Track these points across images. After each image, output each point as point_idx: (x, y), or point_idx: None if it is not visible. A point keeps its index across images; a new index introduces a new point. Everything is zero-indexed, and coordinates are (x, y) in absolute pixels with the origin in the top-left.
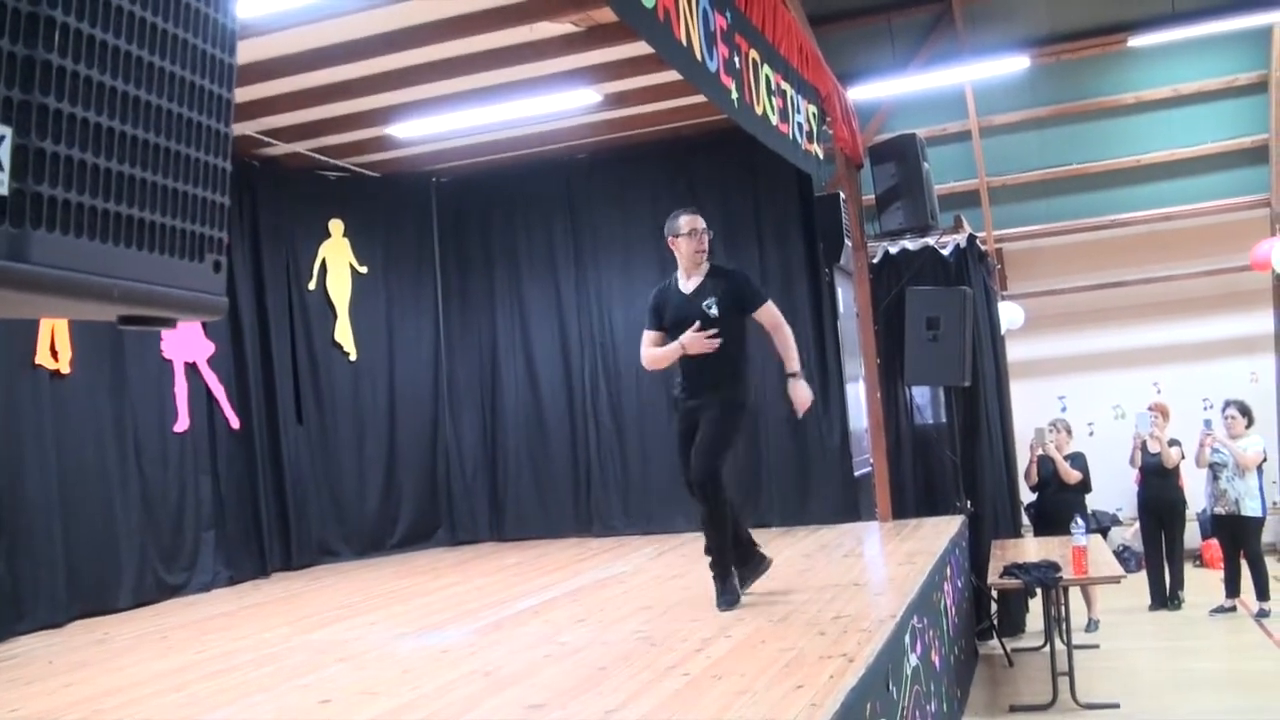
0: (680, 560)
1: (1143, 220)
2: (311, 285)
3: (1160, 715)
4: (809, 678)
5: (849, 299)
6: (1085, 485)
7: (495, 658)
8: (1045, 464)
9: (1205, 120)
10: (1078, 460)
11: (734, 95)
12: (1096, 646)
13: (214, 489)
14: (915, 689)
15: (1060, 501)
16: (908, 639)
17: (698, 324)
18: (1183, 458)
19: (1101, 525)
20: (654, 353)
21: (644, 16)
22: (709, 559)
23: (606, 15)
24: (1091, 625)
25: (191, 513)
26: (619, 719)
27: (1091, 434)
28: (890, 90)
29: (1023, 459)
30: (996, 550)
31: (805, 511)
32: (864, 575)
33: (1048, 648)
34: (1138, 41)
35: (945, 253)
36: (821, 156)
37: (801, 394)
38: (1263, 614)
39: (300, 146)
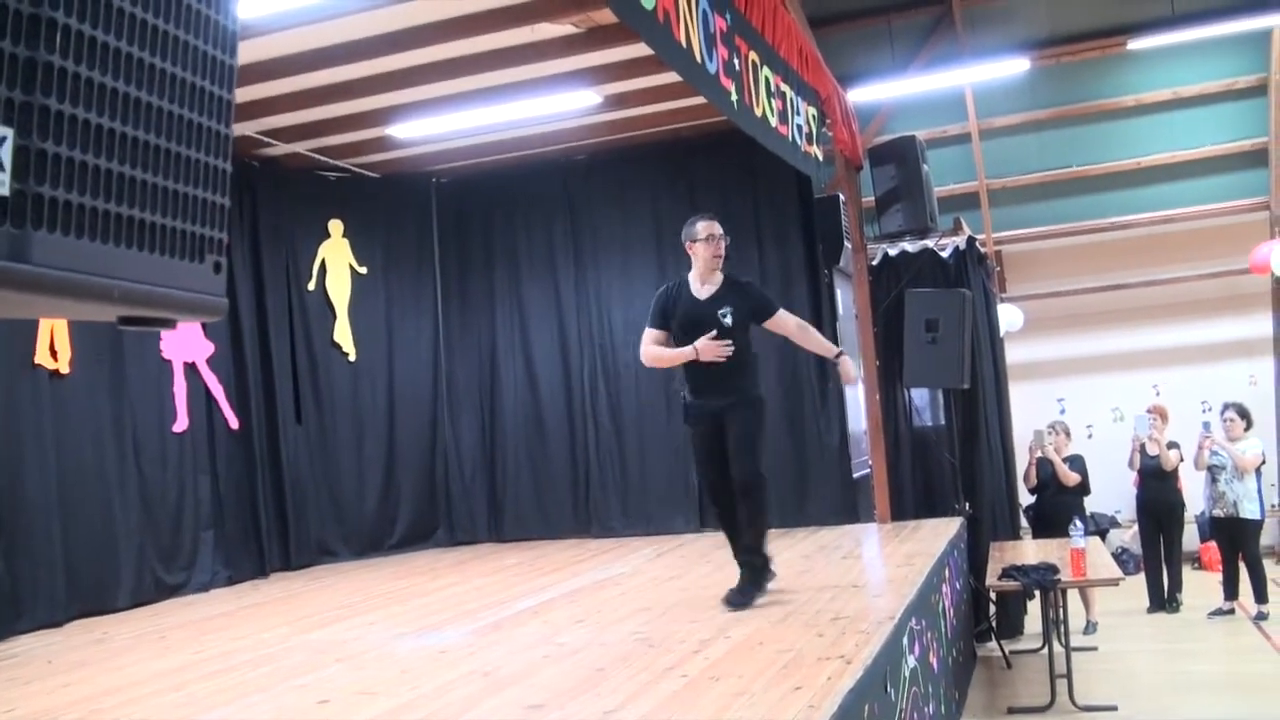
0: (679, 562)
1: (1142, 223)
2: (311, 285)
3: (1158, 718)
4: (807, 679)
5: (848, 301)
6: (1084, 487)
7: (494, 658)
8: (1044, 466)
9: (1205, 123)
10: (1076, 462)
11: (733, 97)
12: (1095, 649)
13: (213, 489)
14: (913, 691)
15: (1059, 504)
16: (906, 641)
17: (714, 332)
18: (1181, 460)
19: (1100, 527)
20: (658, 352)
21: (644, 18)
22: (746, 556)
23: (607, 16)
24: (1090, 627)
25: (190, 513)
26: None
27: (1090, 436)
28: (890, 92)
29: (1021, 461)
30: (995, 552)
31: (804, 513)
32: (862, 577)
33: (1046, 650)
34: (1137, 44)
35: (945, 255)
36: (821, 158)
37: (851, 368)
38: (1261, 617)
39: (300, 147)
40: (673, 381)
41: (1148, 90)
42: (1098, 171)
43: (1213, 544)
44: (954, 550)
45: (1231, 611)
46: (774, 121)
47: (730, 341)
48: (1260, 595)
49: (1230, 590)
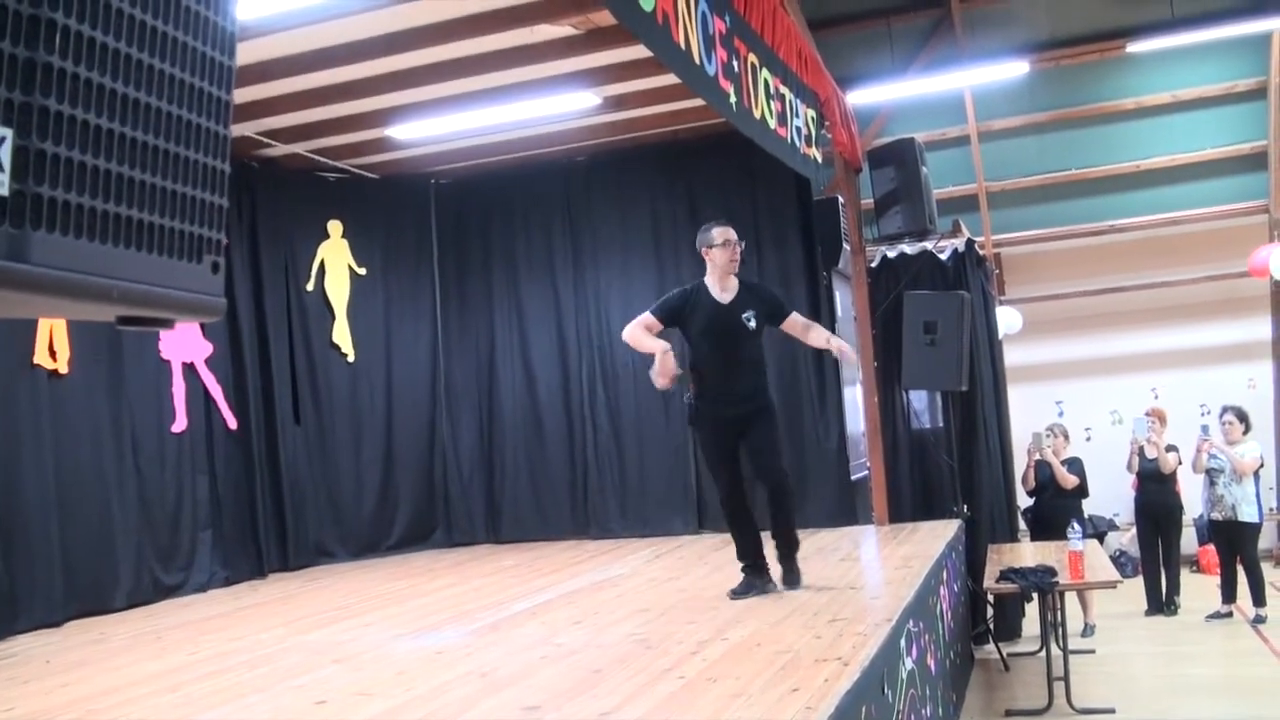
0: (677, 563)
1: (1141, 226)
2: (310, 286)
3: None
4: (804, 681)
5: (847, 303)
6: (1082, 490)
7: (491, 659)
8: (1042, 469)
9: (1204, 126)
10: (1075, 465)
11: (732, 99)
12: (1092, 651)
13: (211, 489)
14: (911, 693)
15: (1057, 506)
16: (903, 643)
17: (671, 357)
18: (1180, 463)
19: (1098, 530)
20: (640, 335)
21: (643, 20)
22: (787, 550)
23: (606, 18)
24: (1088, 630)
25: (188, 513)
26: None
27: (1089, 439)
28: (889, 94)
29: (1020, 464)
30: (993, 554)
31: (802, 514)
32: (860, 578)
33: (1044, 652)
34: (1137, 47)
35: (943, 257)
36: (820, 160)
37: (845, 346)
38: (1259, 620)
39: (300, 148)
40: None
41: (1147, 93)
42: (1097, 174)
43: (1211, 547)
44: (952, 552)
45: (1229, 615)
46: (773, 123)
47: (754, 341)
48: (1258, 598)
49: (1228, 593)
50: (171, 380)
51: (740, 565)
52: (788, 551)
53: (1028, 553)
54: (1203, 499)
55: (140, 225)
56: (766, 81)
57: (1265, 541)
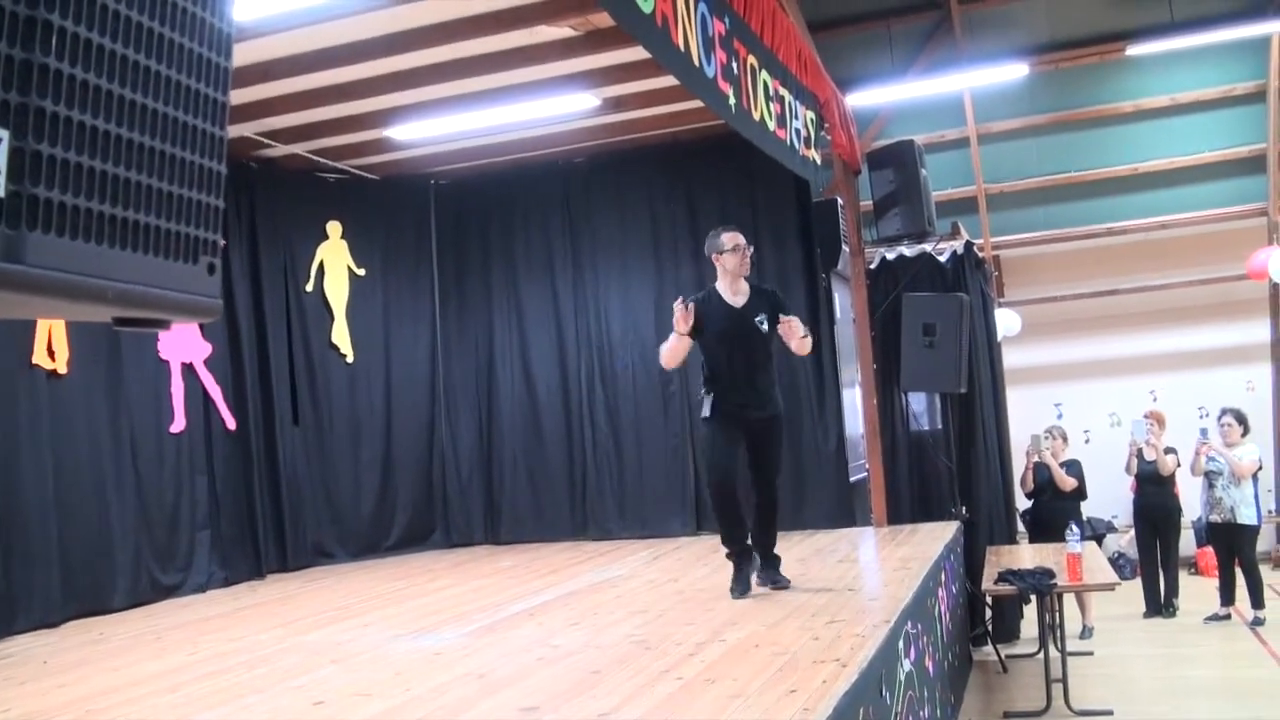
0: (675, 564)
1: (1140, 228)
2: (309, 287)
3: None
4: (802, 682)
5: (846, 304)
6: (1081, 492)
7: (489, 660)
8: (1041, 471)
9: (1203, 129)
10: (1073, 467)
11: (731, 101)
12: (1091, 653)
13: (210, 490)
14: (909, 694)
15: (1055, 508)
16: (901, 644)
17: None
18: (1178, 465)
19: (1097, 532)
20: (669, 345)
21: (642, 21)
22: (770, 547)
23: (605, 20)
24: (1086, 632)
25: (187, 513)
26: None
27: (1087, 441)
28: (889, 96)
29: (1018, 465)
30: (991, 556)
31: (800, 516)
32: (858, 580)
33: (1042, 654)
34: (1136, 50)
35: (942, 259)
36: (819, 162)
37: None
38: (1257, 622)
39: (299, 148)
40: (670, 384)
41: (1146, 96)
42: (1096, 177)
43: (1209, 549)
44: (950, 554)
45: (1228, 617)
46: (772, 125)
47: (766, 346)
48: (1256, 601)
49: (1226, 596)
50: (170, 380)
51: (726, 552)
52: (769, 550)
53: (1026, 554)
54: (1201, 501)
55: (136, 226)
56: (766, 83)
57: (1264, 544)
